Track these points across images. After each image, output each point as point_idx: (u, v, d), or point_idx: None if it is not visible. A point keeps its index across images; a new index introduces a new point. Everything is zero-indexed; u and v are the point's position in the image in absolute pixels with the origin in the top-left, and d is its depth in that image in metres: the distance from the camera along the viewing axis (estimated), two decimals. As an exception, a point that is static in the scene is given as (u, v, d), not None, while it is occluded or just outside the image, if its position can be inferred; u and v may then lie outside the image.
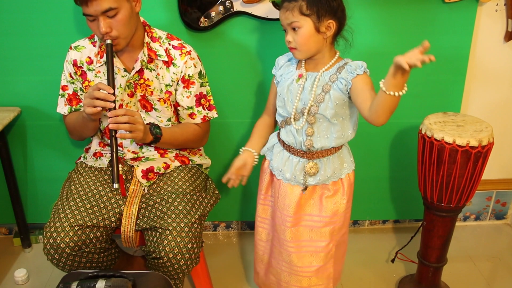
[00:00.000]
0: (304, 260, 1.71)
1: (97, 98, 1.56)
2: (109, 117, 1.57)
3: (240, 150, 1.76)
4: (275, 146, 1.72)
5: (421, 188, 1.95)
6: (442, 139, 1.77)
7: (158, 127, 1.74)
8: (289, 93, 1.61)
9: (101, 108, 1.58)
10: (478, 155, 1.76)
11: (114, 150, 1.59)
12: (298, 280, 1.74)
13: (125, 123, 1.58)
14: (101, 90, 1.57)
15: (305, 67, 1.62)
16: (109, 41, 1.60)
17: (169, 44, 1.75)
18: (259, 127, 1.79)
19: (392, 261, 2.26)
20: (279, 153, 1.70)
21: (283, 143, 1.68)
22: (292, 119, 1.61)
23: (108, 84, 1.59)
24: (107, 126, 1.76)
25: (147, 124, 1.72)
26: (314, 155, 1.63)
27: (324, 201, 1.66)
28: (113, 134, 1.59)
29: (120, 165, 1.74)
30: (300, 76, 1.60)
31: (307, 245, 1.71)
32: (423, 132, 1.86)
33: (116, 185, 1.59)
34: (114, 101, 1.57)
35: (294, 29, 1.51)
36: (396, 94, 1.35)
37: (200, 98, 1.81)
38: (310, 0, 1.47)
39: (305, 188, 1.65)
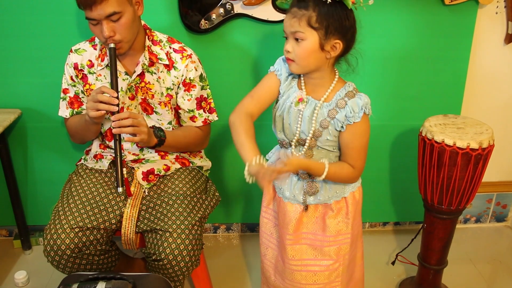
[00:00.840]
0: (308, 279, 1.61)
1: (101, 102, 1.56)
2: (113, 121, 1.57)
3: (247, 166, 1.44)
4: (277, 163, 1.52)
5: (421, 191, 1.95)
6: (443, 141, 1.77)
7: (161, 130, 1.74)
8: (289, 118, 1.52)
9: (105, 112, 1.58)
10: (479, 158, 1.76)
11: (118, 154, 1.58)
12: None
13: (128, 126, 1.58)
14: (104, 94, 1.57)
15: (306, 88, 1.50)
16: (112, 45, 1.60)
17: (170, 47, 1.75)
18: (248, 132, 1.50)
19: (393, 263, 2.26)
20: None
21: None
22: (292, 148, 1.54)
23: (112, 88, 1.59)
24: (109, 128, 1.77)
25: (150, 127, 1.72)
26: (312, 175, 1.53)
27: (327, 221, 1.57)
28: (117, 138, 1.59)
29: (124, 169, 1.74)
30: (300, 100, 1.49)
31: (312, 264, 1.61)
32: (423, 135, 1.86)
33: (120, 189, 1.59)
34: (117, 105, 1.57)
35: (296, 39, 1.39)
36: (318, 178, 1.47)
37: (201, 101, 1.81)
38: (322, 13, 1.35)
39: (306, 207, 1.58)
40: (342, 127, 1.45)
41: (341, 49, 1.41)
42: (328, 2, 1.35)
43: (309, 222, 1.60)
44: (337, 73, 1.50)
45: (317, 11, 1.36)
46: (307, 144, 1.50)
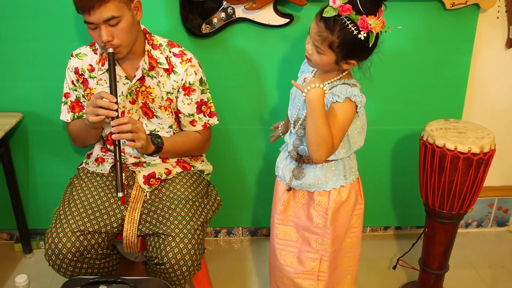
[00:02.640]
0: (287, 260, 1.73)
1: (100, 107, 1.57)
2: (112, 126, 1.58)
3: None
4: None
5: (422, 195, 1.95)
6: (444, 146, 1.77)
7: (158, 136, 1.74)
8: (296, 97, 1.63)
9: (104, 117, 1.58)
10: (480, 162, 1.76)
11: (118, 159, 1.59)
12: (281, 278, 1.76)
13: (128, 131, 1.58)
14: (104, 99, 1.57)
15: (317, 73, 1.61)
16: (111, 50, 1.60)
17: (170, 51, 1.75)
18: None
19: (394, 268, 2.25)
20: (284, 150, 1.74)
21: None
22: (291, 124, 1.63)
23: (111, 93, 1.59)
24: (110, 133, 1.77)
25: (148, 134, 1.72)
26: (302, 159, 1.64)
27: (310, 210, 1.66)
28: (117, 143, 1.59)
29: (124, 173, 1.75)
30: (305, 79, 1.62)
31: (293, 246, 1.72)
32: (424, 139, 1.86)
33: (120, 194, 1.59)
34: (117, 110, 1.57)
35: (317, 51, 1.47)
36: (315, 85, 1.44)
37: (201, 105, 1.81)
38: (344, 41, 1.42)
39: (289, 189, 1.68)
40: (327, 106, 1.51)
41: (355, 65, 1.51)
42: (353, 33, 1.40)
43: (296, 207, 1.70)
44: (348, 70, 1.57)
45: (340, 39, 1.42)
46: (299, 122, 1.57)
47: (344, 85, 1.52)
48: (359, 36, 1.40)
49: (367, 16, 1.39)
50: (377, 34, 1.44)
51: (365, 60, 1.52)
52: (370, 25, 1.39)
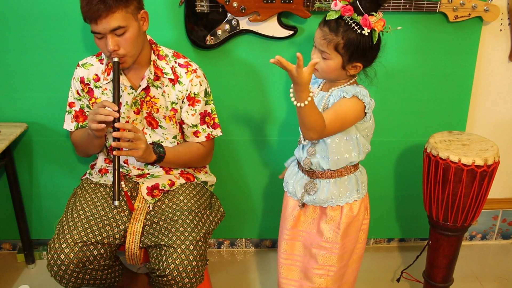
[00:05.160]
0: (290, 275, 1.73)
1: (102, 115, 1.57)
2: (114, 130, 1.57)
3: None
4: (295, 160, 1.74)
5: (426, 207, 1.95)
6: (448, 158, 1.77)
7: (161, 146, 1.74)
8: None
9: (105, 125, 1.59)
10: (484, 174, 1.75)
11: (116, 168, 1.59)
12: None
13: (129, 140, 1.58)
14: (106, 107, 1.58)
15: (323, 84, 1.64)
16: (116, 59, 1.61)
17: (175, 62, 1.76)
18: None
19: (398, 280, 2.24)
20: (292, 166, 1.74)
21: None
22: (301, 136, 1.62)
23: (113, 102, 1.60)
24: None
25: (150, 143, 1.73)
26: (314, 174, 1.63)
27: (321, 225, 1.65)
28: (116, 151, 1.60)
29: (122, 182, 1.75)
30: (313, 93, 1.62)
31: (300, 260, 1.72)
32: (428, 151, 1.86)
33: (116, 203, 1.58)
34: (118, 119, 1.58)
35: (323, 56, 1.50)
36: (298, 104, 1.38)
37: (204, 116, 1.81)
38: (349, 41, 1.46)
39: (302, 205, 1.67)
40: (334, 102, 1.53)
41: (361, 68, 1.53)
42: (357, 32, 1.45)
43: (306, 222, 1.69)
44: (355, 78, 1.59)
45: (345, 39, 1.46)
46: None
47: (352, 86, 1.56)
48: (363, 32, 1.44)
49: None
50: (379, 36, 1.48)
51: (370, 65, 1.55)
52: (372, 23, 1.44)
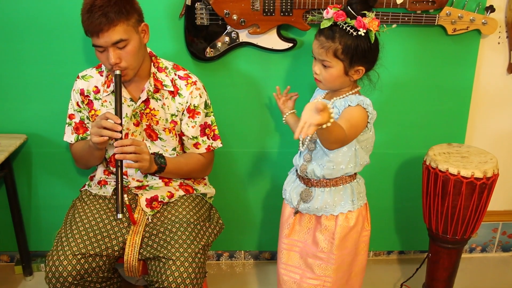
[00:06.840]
0: (288, 285, 1.73)
1: (105, 127, 1.58)
2: (116, 147, 1.58)
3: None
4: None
5: (426, 219, 1.94)
6: (447, 170, 1.77)
7: (162, 156, 1.75)
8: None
9: (108, 138, 1.59)
10: (483, 187, 1.76)
11: (120, 180, 1.59)
12: None
13: (131, 153, 1.59)
14: (108, 120, 1.58)
15: (325, 94, 1.65)
16: (118, 72, 1.62)
17: (175, 74, 1.77)
18: None
19: (398, 293, 2.23)
20: (292, 173, 1.76)
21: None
22: (300, 142, 1.65)
23: (116, 114, 1.60)
24: (113, 155, 1.77)
25: (151, 154, 1.73)
26: (310, 182, 1.65)
27: (317, 235, 1.65)
28: (119, 164, 1.60)
29: (125, 195, 1.74)
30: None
31: (295, 272, 1.72)
32: (427, 163, 1.86)
33: (120, 215, 1.58)
34: (121, 131, 1.58)
35: (324, 65, 1.52)
36: (324, 126, 1.30)
37: (204, 128, 1.82)
38: (347, 46, 1.48)
39: (296, 212, 1.68)
40: (338, 114, 1.54)
41: (364, 72, 1.55)
42: (353, 35, 1.46)
43: (301, 231, 1.70)
44: (358, 88, 1.61)
45: (343, 44, 1.47)
46: (308, 138, 1.60)
47: (355, 95, 1.57)
48: (359, 33, 1.46)
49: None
50: (376, 36, 1.50)
51: (372, 67, 1.56)
52: (366, 23, 1.46)
